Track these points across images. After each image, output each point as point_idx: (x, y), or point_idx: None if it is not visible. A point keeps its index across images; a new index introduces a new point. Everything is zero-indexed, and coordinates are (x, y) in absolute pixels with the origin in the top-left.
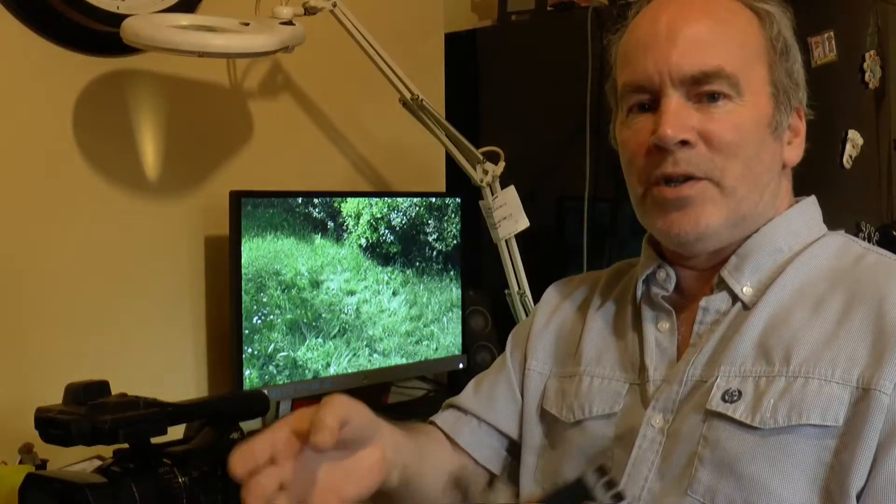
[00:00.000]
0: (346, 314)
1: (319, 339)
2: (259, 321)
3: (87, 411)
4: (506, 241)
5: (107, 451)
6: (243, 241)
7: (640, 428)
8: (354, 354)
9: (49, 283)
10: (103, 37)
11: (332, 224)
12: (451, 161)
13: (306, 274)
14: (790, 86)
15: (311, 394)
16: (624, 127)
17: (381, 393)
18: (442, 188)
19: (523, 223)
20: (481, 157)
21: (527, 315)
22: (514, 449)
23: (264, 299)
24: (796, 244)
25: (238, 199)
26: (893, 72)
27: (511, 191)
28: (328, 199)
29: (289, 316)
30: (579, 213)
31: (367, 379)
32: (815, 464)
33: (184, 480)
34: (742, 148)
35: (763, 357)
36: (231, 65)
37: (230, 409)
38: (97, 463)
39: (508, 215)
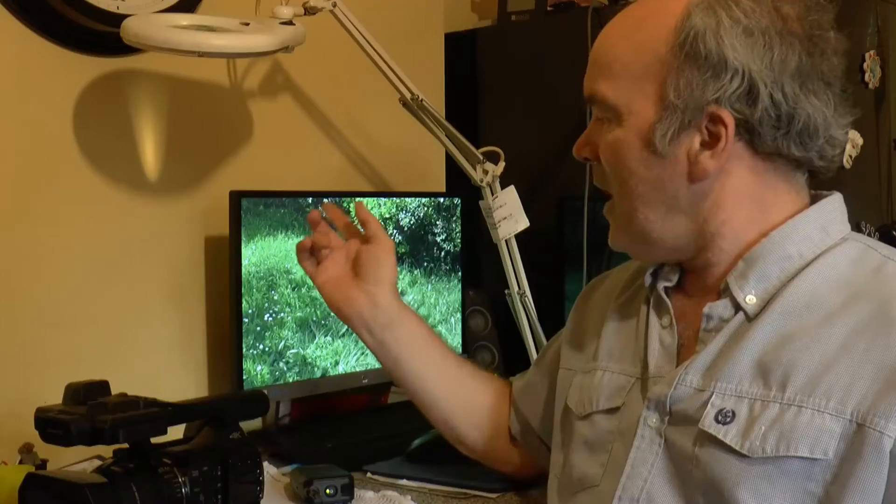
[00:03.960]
0: None
1: (328, 338)
2: (270, 318)
3: (87, 411)
4: (506, 241)
5: (107, 451)
6: (255, 239)
7: (637, 426)
8: (363, 353)
9: (49, 282)
10: (103, 37)
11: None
12: (451, 161)
13: None
14: (698, 95)
15: (311, 393)
16: None
17: (381, 393)
18: (442, 188)
19: (523, 223)
20: (481, 157)
21: (527, 315)
22: (535, 434)
23: (275, 297)
24: (809, 251)
25: (238, 199)
26: (893, 72)
27: (511, 191)
28: (336, 198)
29: (298, 314)
30: (579, 213)
31: (367, 379)
32: (802, 494)
33: (184, 480)
34: (616, 169)
35: (761, 377)
36: (231, 65)
37: (230, 409)
38: (97, 463)
39: (508, 215)
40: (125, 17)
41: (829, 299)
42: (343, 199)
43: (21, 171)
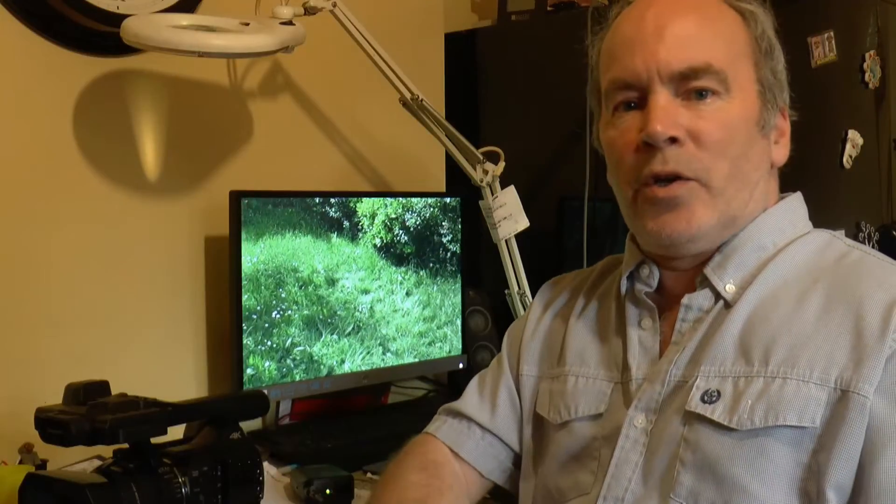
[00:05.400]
0: (360, 312)
1: (334, 336)
2: (278, 315)
3: (87, 411)
4: (506, 241)
5: (107, 451)
6: (263, 237)
7: (622, 427)
8: (368, 352)
9: (49, 282)
10: (103, 37)
11: (348, 223)
12: (451, 161)
13: (322, 271)
14: (775, 85)
15: (311, 393)
16: (610, 127)
17: (381, 393)
18: (442, 188)
19: (523, 223)
20: (481, 157)
21: None
22: (518, 460)
23: (283, 295)
24: (781, 241)
25: (238, 199)
26: (893, 72)
27: (511, 191)
28: (344, 198)
29: (305, 312)
30: (579, 213)
31: (366, 379)
32: (794, 465)
33: (184, 480)
34: (730, 146)
35: (743, 356)
36: (231, 65)
37: (230, 409)
38: (97, 463)
39: (508, 215)
40: (125, 17)
41: (800, 280)
42: (343, 199)
43: (21, 171)
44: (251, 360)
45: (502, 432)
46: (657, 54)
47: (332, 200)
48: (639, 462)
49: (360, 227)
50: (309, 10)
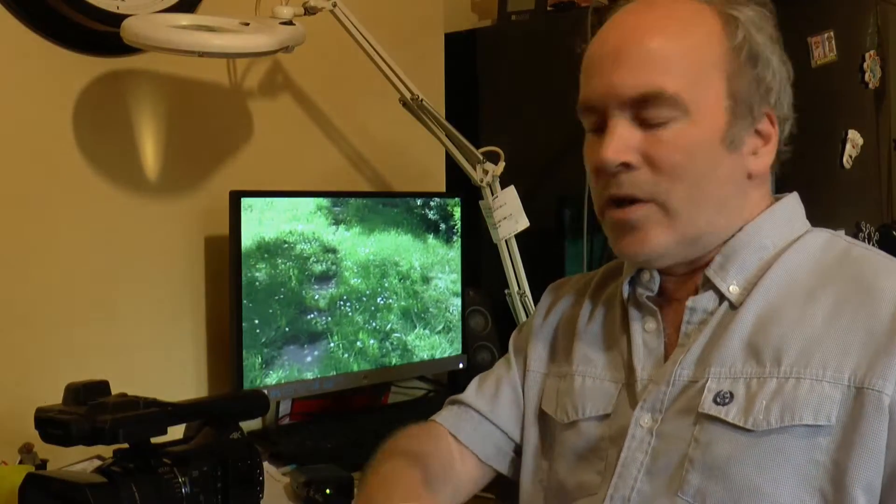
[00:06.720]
0: (450, 314)
1: (426, 331)
2: (382, 301)
3: (87, 411)
4: (506, 241)
5: (107, 451)
6: (374, 233)
7: (628, 428)
8: (455, 353)
9: (49, 282)
10: (103, 37)
11: (444, 226)
12: (451, 161)
13: (419, 269)
14: (755, 94)
15: (311, 393)
16: (585, 146)
17: (381, 393)
18: (442, 188)
19: (523, 223)
20: (481, 157)
21: (527, 315)
22: (519, 449)
23: (385, 285)
24: (780, 241)
25: (238, 199)
26: (893, 72)
27: (511, 191)
28: (336, 198)
29: (403, 303)
30: (579, 213)
31: (366, 379)
32: (808, 464)
33: (184, 480)
34: (688, 169)
35: (753, 357)
36: (231, 65)
37: (230, 409)
38: (97, 463)
39: (508, 215)
40: (125, 17)
41: (806, 280)
42: (343, 199)
43: (21, 171)
44: (360, 335)
45: (501, 422)
46: (612, 79)
47: (433, 203)
48: (644, 461)
49: (455, 230)
50: (309, 10)
